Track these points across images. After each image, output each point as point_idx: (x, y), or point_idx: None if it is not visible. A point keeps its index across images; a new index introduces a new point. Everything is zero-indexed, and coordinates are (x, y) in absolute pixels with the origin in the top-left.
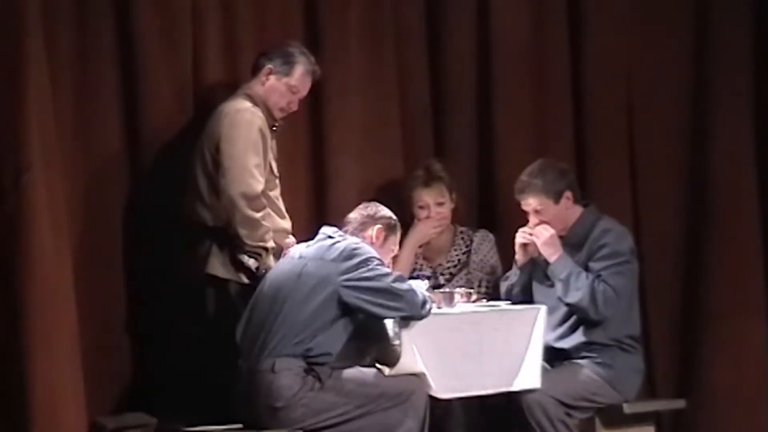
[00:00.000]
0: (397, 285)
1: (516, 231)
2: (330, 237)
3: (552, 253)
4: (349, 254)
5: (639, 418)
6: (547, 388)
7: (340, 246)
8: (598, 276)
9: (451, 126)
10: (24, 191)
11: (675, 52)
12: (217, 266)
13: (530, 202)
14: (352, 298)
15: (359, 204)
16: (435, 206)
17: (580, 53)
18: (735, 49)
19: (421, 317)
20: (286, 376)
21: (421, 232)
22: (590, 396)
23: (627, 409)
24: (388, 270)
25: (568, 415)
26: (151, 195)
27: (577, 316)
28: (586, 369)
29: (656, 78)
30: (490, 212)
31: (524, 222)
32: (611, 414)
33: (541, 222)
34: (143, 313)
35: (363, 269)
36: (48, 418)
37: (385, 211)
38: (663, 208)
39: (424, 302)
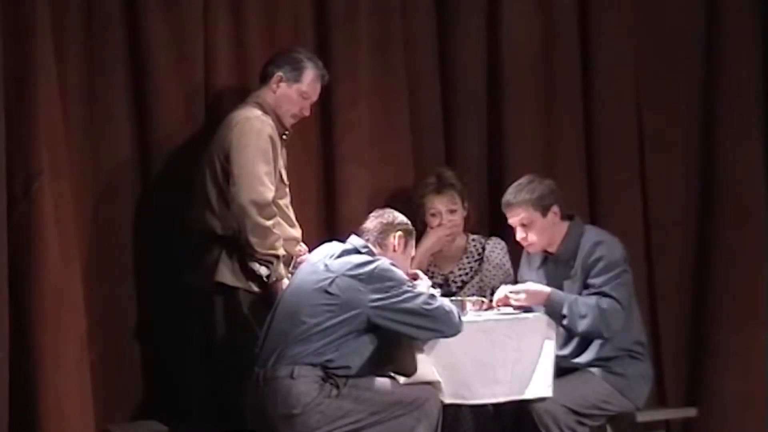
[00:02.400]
0: (428, 306)
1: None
2: (359, 252)
3: (540, 301)
4: (380, 276)
5: (650, 426)
6: (558, 397)
7: (370, 267)
8: (600, 291)
9: (461, 134)
10: (34, 199)
11: (683, 57)
12: (227, 274)
13: (518, 214)
14: (381, 319)
15: (369, 212)
16: (447, 213)
17: (589, 61)
18: (743, 53)
19: (457, 333)
20: (304, 382)
21: (434, 238)
22: (601, 404)
23: (639, 417)
24: (419, 291)
25: (580, 423)
26: (161, 203)
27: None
28: (597, 377)
29: (665, 83)
30: (501, 220)
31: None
32: (623, 422)
33: (528, 235)
34: (152, 322)
35: (394, 292)
36: (57, 427)
37: (401, 217)
38: (673, 215)
39: (460, 317)
